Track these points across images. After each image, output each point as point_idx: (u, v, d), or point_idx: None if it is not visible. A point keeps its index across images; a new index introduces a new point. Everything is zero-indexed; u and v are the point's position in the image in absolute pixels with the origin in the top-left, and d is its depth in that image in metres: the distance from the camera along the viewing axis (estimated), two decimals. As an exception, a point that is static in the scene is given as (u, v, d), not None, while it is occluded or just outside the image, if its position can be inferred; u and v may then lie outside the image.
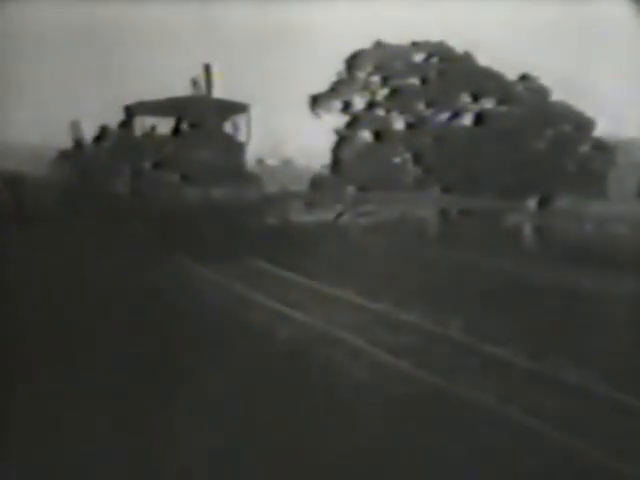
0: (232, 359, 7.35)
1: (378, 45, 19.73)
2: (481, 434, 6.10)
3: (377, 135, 19.33)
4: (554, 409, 6.68)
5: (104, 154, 16.94)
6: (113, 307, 8.47)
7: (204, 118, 15.07)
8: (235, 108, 15.49)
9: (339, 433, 5.87)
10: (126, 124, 15.75)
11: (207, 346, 7.50)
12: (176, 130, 15.68)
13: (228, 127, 15.56)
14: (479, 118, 19.11)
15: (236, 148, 15.38)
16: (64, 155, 17.91)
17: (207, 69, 14.83)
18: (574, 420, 6.43)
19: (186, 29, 17.37)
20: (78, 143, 17.48)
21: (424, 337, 8.86)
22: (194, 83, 15.47)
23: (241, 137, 15.41)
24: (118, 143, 16.42)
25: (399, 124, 19.43)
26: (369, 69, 19.60)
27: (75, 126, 17.19)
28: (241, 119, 15.44)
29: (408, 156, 18.98)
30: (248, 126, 15.25)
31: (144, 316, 8.33)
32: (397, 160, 19.16)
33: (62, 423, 5.79)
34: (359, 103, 19.62)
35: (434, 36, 19.79)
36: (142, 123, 15.46)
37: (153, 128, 15.80)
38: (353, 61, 19.74)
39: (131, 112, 15.51)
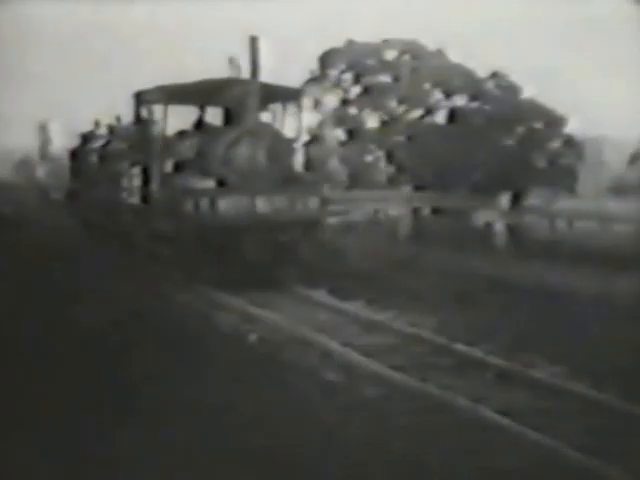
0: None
1: (350, 43, 19.76)
2: (454, 433, 6.08)
3: (349, 133, 19.35)
4: (527, 408, 6.67)
5: (106, 154, 14.03)
6: (119, 356, 7.21)
7: (244, 106, 11.55)
8: (284, 94, 12.35)
9: (311, 434, 5.84)
10: (137, 115, 12.44)
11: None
12: (199, 122, 12.59)
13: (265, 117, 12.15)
14: (451, 115, 19.19)
15: (285, 146, 12.04)
16: (72, 155, 15.38)
17: (253, 43, 11.29)
18: (547, 418, 6.43)
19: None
20: (45, 145, 16.63)
21: (397, 337, 8.83)
22: (231, 62, 12.14)
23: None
24: (126, 140, 13.32)
25: (371, 122, 19.45)
26: (342, 67, 19.61)
27: (43, 128, 16.25)
28: (286, 108, 12.39)
29: (380, 154, 19.00)
30: (299, 118, 12.31)
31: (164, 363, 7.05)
32: (370, 158, 19.16)
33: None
34: (331, 101, 19.63)
35: (406, 33, 19.91)
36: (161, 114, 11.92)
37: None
38: (325, 59, 19.74)
39: (144, 100, 12.23)
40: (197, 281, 10.64)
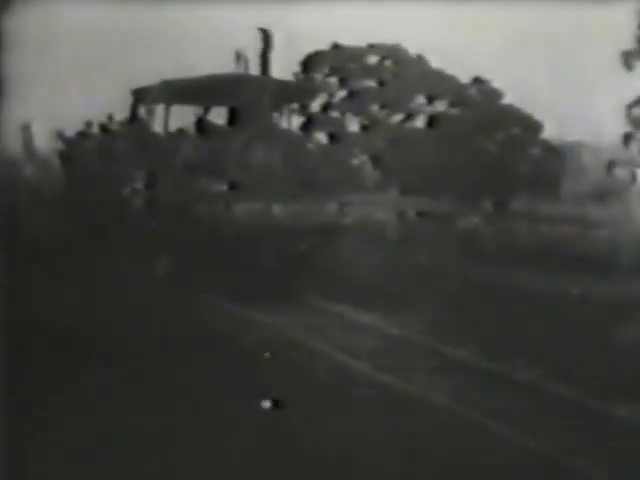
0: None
1: (334, 47, 19.86)
2: (438, 434, 6.21)
3: (333, 137, 19.42)
4: (510, 409, 6.82)
5: (105, 155, 13.10)
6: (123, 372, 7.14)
7: (257, 105, 10.80)
8: (300, 92, 11.95)
9: (297, 435, 5.95)
10: (135, 114, 11.87)
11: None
12: (199, 122, 11.69)
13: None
14: (432, 120, 19.34)
15: (302, 147, 11.89)
16: (62, 156, 14.57)
17: (265, 35, 10.62)
18: (529, 419, 6.58)
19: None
20: (28, 146, 16.32)
21: (383, 339, 8.97)
22: (238, 56, 11.16)
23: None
24: (125, 140, 12.46)
25: (355, 126, 19.55)
26: (325, 71, 19.70)
27: (25, 129, 15.94)
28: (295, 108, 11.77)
29: (365, 158, 19.11)
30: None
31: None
32: (355, 162, 19.27)
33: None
34: (314, 105, 19.71)
35: (388, 38, 20.01)
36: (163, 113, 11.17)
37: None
38: (309, 63, 19.82)
39: (145, 97, 11.63)
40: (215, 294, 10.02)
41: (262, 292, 9.99)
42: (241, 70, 11.24)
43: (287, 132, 11.65)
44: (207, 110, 11.88)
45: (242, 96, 10.93)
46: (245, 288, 9.95)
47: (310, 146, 11.95)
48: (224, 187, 10.68)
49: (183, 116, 11.75)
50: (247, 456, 5.57)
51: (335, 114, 19.63)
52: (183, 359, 7.28)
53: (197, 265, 10.26)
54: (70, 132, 15.11)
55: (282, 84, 11.18)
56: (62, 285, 9.84)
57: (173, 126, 11.58)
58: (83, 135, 14.60)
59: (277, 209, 10.68)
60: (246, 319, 9.41)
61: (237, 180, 10.58)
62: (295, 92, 11.91)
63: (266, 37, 10.74)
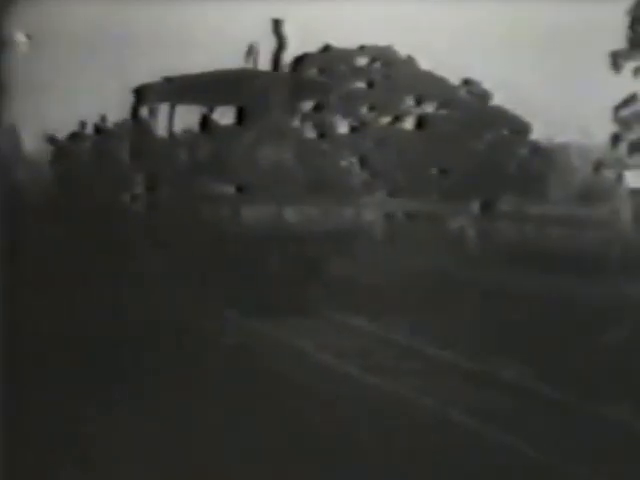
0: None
1: (323, 48, 19.87)
2: (424, 434, 6.23)
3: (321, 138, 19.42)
4: (496, 409, 6.84)
5: (102, 156, 12.38)
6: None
7: (266, 102, 10.20)
8: (314, 88, 11.29)
9: (285, 436, 5.96)
10: (136, 114, 11.16)
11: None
12: (204, 121, 11.03)
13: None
14: (421, 122, 19.39)
15: (314, 148, 11.12)
16: (55, 157, 13.94)
17: (277, 25, 9.96)
18: (515, 420, 6.59)
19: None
20: (16, 147, 16.18)
21: (370, 340, 8.98)
22: (250, 51, 10.42)
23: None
24: (124, 141, 11.68)
25: (343, 127, 19.57)
26: (314, 72, 19.71)
27: (11, 131, 15.69)
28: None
29: (354, 160, 19.13)
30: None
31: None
32: (344, 164, 19.28)
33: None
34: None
35: (379, 39, 20.04)
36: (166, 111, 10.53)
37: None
38: (298, 64, 19.82)
39: (146, 96, 10.93)
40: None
41: (273, 304, 9.56)
42: (250, 65, 10.68)
43: (298, 130, 11.06)
44: (213, 108, 11.39)
45: (250, 93, 10.32)
46: (255, 299, 9.48)
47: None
48: (231, 189, 10.20)
49: (188, 115, 11.28)
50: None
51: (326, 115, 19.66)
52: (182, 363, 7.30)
53: (201, 273, 9.71)
54: (64, 133, 15.03)
55: (294, 80, 10.59)
56: (60, 294, 9.46)
57: (177, 126, 11.18)
58: (76, 136, 14.42)
59: (288, 213, 10.10)
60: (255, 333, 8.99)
61: (245, 181, 10.09)
62: (309, 88, 11.19)
63: (279, 29, 10.20)
